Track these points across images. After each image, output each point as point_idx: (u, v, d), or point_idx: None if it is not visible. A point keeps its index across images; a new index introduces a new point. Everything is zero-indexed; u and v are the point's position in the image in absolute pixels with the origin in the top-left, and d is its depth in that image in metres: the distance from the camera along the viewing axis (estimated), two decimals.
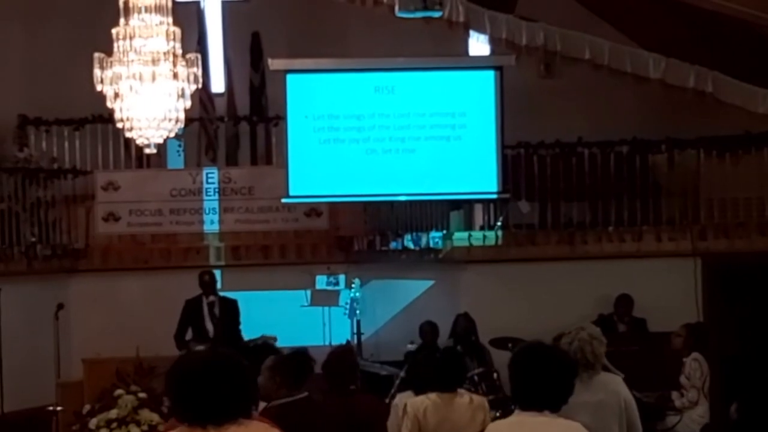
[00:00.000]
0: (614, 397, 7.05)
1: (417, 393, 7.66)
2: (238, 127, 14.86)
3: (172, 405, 4.81)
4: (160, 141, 10.53)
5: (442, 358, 7.46)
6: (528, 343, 5.35)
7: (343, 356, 7.76)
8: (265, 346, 7.33)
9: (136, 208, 13.97)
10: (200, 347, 5.24)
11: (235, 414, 4.74)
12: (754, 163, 12.75)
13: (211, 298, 12.07)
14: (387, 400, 9.59)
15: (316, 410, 6.72)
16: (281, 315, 13.31)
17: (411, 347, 11.97)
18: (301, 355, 6.86)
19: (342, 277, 13.77)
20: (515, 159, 13.13)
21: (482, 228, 13.06)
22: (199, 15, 14.23)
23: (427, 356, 8.03)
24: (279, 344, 10.47)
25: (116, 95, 9.66)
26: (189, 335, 11.91)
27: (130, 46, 9.33)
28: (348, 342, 12.76)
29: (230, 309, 12.14)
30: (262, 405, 6.37)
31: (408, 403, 7.30)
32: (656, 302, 12.38)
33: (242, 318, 12.26)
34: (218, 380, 4.69)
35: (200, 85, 10.17)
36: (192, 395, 4.71)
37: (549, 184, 13.01)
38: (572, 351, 6.93)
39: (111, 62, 9.46)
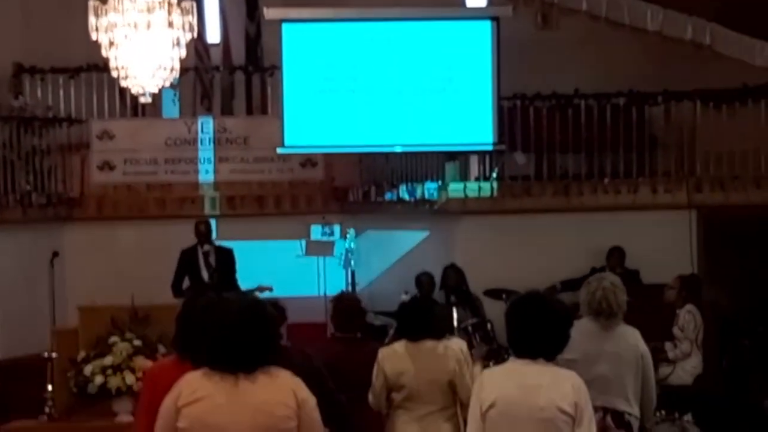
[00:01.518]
0: (633, 350, 7.10)
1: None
2: (233, 76, 14.83)
3: (207, 351, 4.79)
4: (155, 90, 10.49)
5: (407, 307, 7.44)
6: (525, 292, 5.36)
7: (354, 303, 7.78)
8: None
9: (131, 157, 13.96)
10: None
11: (264, 362, 4.75)
12: (751, 116, 12.72)
13: (207, 247, 12.06)
14: None
15: (291, 362, 6.70)
16: (276, 265, 13.32)
17: (405, 297, 11.96)
18: (274, 305, 6.85)
19: (337, 228, 13.78)
20: (511, 110, 13.10)
21: (477, 179, 13.04)
22: None
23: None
24: (270, 294, 10.52)
25: (111, 44, 9.62)
26: (186, 284, 11.92)
27: None
28: (350, 292, 12.78)
29: (226, 258, 12.15)
30: None
31: (379, 352, 7.30)
32: (651, 254, 12.39)
33: (237, 268, 12.26)
34: (252, 328, 4.71)
35: (195, 35, 10.14)
36: (227, 342, 4.71)
37: (545, 135, 12.98)
38: (596, 300, 6.99)
39: (106, 10, 9.42)
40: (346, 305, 7.73)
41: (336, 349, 7.43)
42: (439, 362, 7.08)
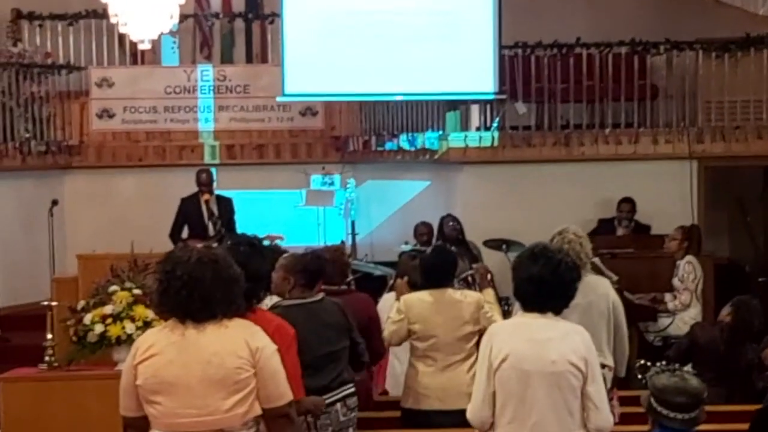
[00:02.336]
0: (603, 300, 7.09)
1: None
2: (233, 24, 14.77)
3: (157, 296, 4.82)
4: (155, 37, 10.42)
5: (430, 256, 7.44)
6: (533, 245, 5.34)
7: (336, 255, 7.76)
8: (279, 247, 7.34)
9: (130, 105, 13.94)
10: (199, 245, 5.23)
11: (215, 313, 4.73)
12: (753, 66, 12.65)
13: (207, 196, 12.02)
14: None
15: (327, 312, 6.73)
16: (276, 215, 13.33)
17: (405, 247, 11.96)
18: (318, 258, 6.86)
19: (337, 177, 13.75)
20: (512, 59, 13.02)
21: (478, 129, 12.99)
22: None
23: (418, 255, 8.00)
24: (282, 243, 10.49)
25: None
26: (185, 234, 11.89)
27: None
28: (342, 242, 12.79)
29: (227, 207, 12.12)
30: (273, 299, 6.40)
31: (402, 299, 7.32)
32: (652, 205, 12.37)
33: (237, 217, 12.25)
34: (200, 279, 4.69)
35: None
36: (173, 290, 4.71)
37: (546, 85, 12.91)
38: None
39: None
40: (334, 257, 7.71)
41: None
42: (462, 311, 7.11)
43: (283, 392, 4.82)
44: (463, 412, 6.13)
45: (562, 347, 5.11)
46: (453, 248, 11.62)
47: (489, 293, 7.67)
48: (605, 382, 7.00)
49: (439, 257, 7.39)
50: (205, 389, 4.66)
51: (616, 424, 6.86)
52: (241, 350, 4.70)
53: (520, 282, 5.26)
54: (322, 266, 6.80)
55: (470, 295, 7.32)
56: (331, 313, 6.71)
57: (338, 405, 6.71)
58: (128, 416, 4.86)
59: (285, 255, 6.75)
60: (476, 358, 6.94)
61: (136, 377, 4.74)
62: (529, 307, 5.24)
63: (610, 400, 7.04)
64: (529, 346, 5.12)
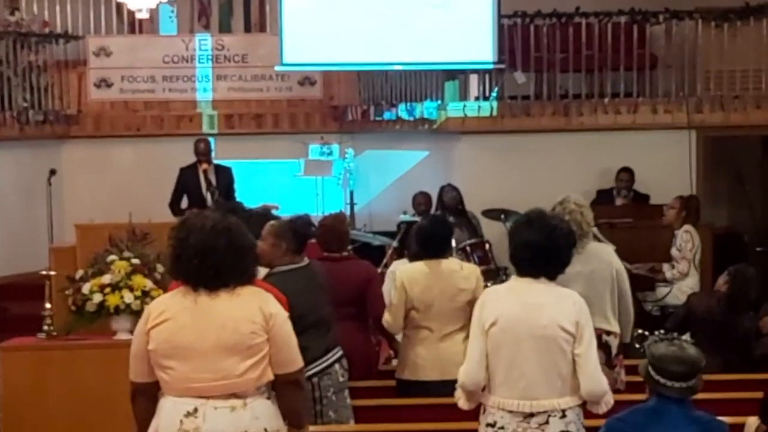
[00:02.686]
0: (606, 267, 7.10)
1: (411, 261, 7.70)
2: None
3: (169, 262, 4.85)
4: (153, 6, 10.43)
5: (426, 225, 7.44)
6: (529, 210, 5.35)
7: (336, 223, 7.77)
8: (266, 214, 7.32)
9: (128, 75, 13.92)
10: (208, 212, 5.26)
11: (228, 282, 4.76)
12: (753, 35, 12.61)
13: (205, 166, 11.99)
14: (379, 270, 9.65)
15: (316, 276, 6.77)
16: (274, 185, 13.32)
17: (404, 217, 11.96)
18: (302, 223, 6.88)
19: (335, 147, 13.74)
20: (511, 29, 12.97)
21: (477, 98, 12.96)
22: None
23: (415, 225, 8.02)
24: (277, 213, 10.49)
25: None
26: (184, 203, 11.87)
27: None
28: (341, 211, 12.78)
29: (226, 176, 12.09)
30: (263, 272, 6.40)
31: (397, 270, 7.33)
32: (650, 175, 12.37)
33: (236, 187, 12.23)
34: (215, 246, 4.72)
35: None
36: (186, 258, 4.73)
37: (545, 54, 12.87)
38: None
39: None
40: (332, 225, 7.74)
41: (329, 266, 7.45)
42: (459, 281, 7.10)
43: (294, 358, 4.88)
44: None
45: (553, 312, 5.13)
46: (452, 218, 11.75)
47: None
48: (610, 349, 7.05)
49: (436, 227, 7.38)
50: (219, 354, 4.70)
51: (621, 392, 6.90)
52: (255, 316, 4.75)
53: (515, 247, 5.27)
54: (311, 230, 6.83)
55: (468, 267, 7.32)
56: (321, 276, 6.77)
57: (336, 366, 6.77)
58: (138, 382, 4.89)
59: (271, 222, 6.75)
60: None
61: (149, 342, 4.77)
62: (523, 272, 5.26)
63: (614, 366, 7.08)
64: (520, 310, 5.13)
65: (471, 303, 6.99)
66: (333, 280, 7.15)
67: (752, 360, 8.09)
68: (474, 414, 5.69)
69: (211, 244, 4.72)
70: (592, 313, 6.99)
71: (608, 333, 7.15)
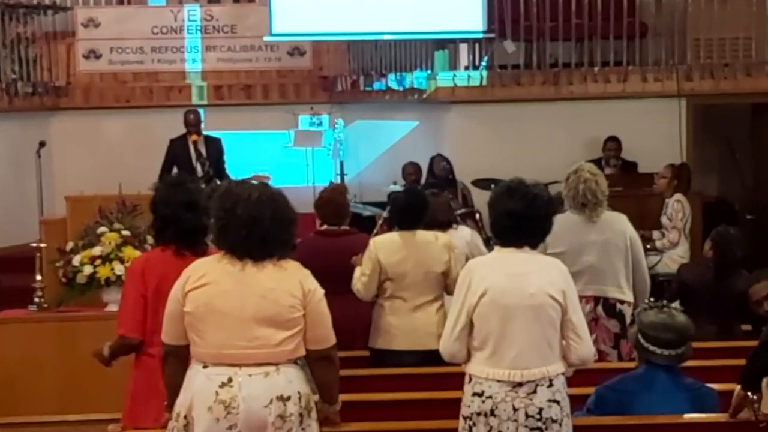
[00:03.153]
0: (620, 236, 7.13)
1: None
2: None
3: (213, 231, 4.80)
4: None
5: (401, 197, 7.43)
6: (508, 180, 5.34)
7: (334, 195, 7.77)
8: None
9: (117, 46, 13.87)
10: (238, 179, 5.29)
11: (273, 253, 4.76)
12: (742, 2, 12.58)
13: (195, 137, 11.96)
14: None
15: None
16: (264, 155, 13.31)
17: (393, 188, 11.96)
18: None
19: (325, 118, 13.72)
20: None
21: (467, 68, 12.93)
22: None
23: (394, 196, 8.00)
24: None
25: None
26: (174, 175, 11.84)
27: None
28: (338, 182, 12.76)
29: (216, 147, 12.07)
30: None
31: (372, 241, 7.31)
32: (641, 143, 12.38)
33: (226, 158, 12.21)
34: (260, 218, 4.72)
35: None
36: (233, 228, 4.71)
37: (535, 23, 12.84)
38: (580, 193, 6.98)
39: None
40: (331, 197, 7.73)
41: (322, 241, 7.44)
42: (434, 252, 7.09)
43: (328, 335, 4.90)
44: (431, 352, 6.20)
45: (540, 280, 5.13)
46: (444, 190, 11.75)
47: None
48: (624, 318, 7.07)
49: (411, 198, 7.36)
50: (257, 323, 4.71)
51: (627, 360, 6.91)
52: (296, 290, 4.77)
53: (496, 217, 5.27)
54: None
55: (442, 237, 7.30)
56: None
57: None
58: (170, 344, 4.88)
59: None
60: (444, 300, 7.01)
61: (185, 304, 4.76)
62: (506, 241, 5.25)
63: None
64: (507, 280, 5.13)
65: (445, 274, 7.02)
66: (331, 254, 7.17)
67: (754, 319, 7.99)
68: (445, 384, 5.71)
69: (258, 215, 4.71)
70: (606, 282, 7.07)
71: (622, 302, 7.17)
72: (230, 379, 4.69)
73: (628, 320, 7.13)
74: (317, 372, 4.91)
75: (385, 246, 7.16)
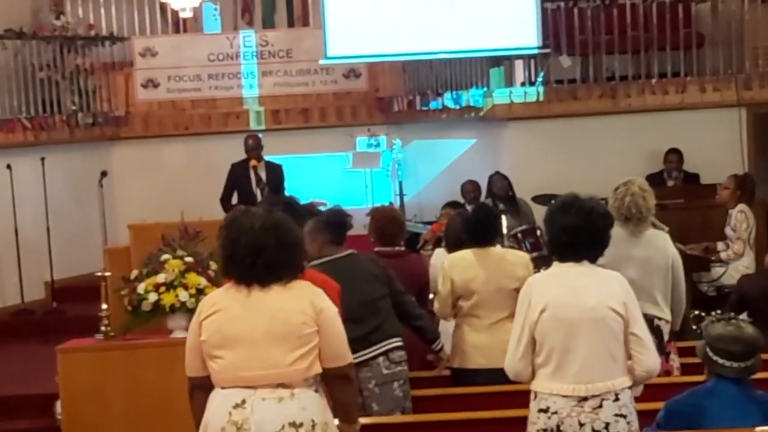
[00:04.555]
0: (662, 254, 7.06)
1: (451, 250, 7.66)
2: None
3: (225, 264, 4.91)
4: (196, 4, 10.47)
5: (473, 214, 7.42)
6: (563, 195, 5.32)
7: (391, 215, 7.77)
8: (312, 210, 7.31)
9: (174, 74, 14.01)
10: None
11: (280, 277, 4.80)
12: None
13: (255, 162, 12.00)
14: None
15: (359, 265, 6.75)
16: (323, 178, 13.35)
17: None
18: (336, 212, 6.88)
19: (383, 139, 13.76)
20: (555, 12, 12.90)
21: (523, 84, 12.90)
22: None
23: (462, 214, 7.98)
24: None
25: None
26: (235, 199, 11.91)
27: None
28: (390, 203, 12.78)
29: (276, 173, 12.09)
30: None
31: (445, 259, 7.31)
32: (702, 154, 12.27)
33: (286, 184, 12.25)
34: (264, 246, 4.78)
35: None
36: (238, 258, 4.78)
37: (590, 37, 12.80)
38: (625, 206, 6.92)
39: None
40: (384, 219, 7.72)
41: (383, 263, 7.43)
42: (507, 269, 7.09)
43: (344, 353, 4.93)
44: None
45: (600, 293, 5.11)
46: (502, 206, 11.72)
47: None
48: (662, 334, 7.01)
49: (483, 215, 7.36)
50: (269, 343, 4.75)
51: (675, 374, 6.87)
52: (306, 308, 4.82)
53: (553, 232, 5.26)
54: (345, 220, 6.80)
55: (516, 254, 7.28)
56: (364, 264, 6.73)
57: (380, 359, 6.73)
58: (194, 376, 4.96)
59: (308, 221, 6.73)
60: None
61: (201, 334, 4.84)
62: (564, 257, 5.23)
63: (668, 352, 7.04)
64: (567, 295, 5.12)
65: (518, 290, 6.99)
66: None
67: None
68: (521, 401, 5.68)
69: (262, 244, 4.79)
70: (643, 299, 6.97)
71: (659, 318, 7.11)
72: (244, 401, 4.75)
73: (665, 337, 7.08)
74: (334, 391, 4.94)
75: (458, 264, 7.16)
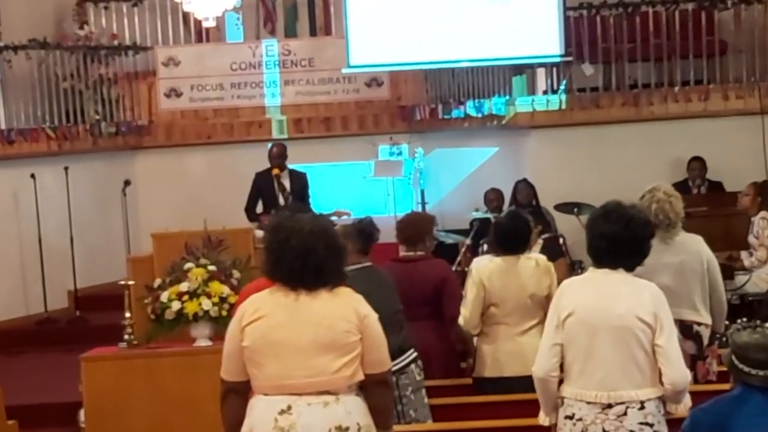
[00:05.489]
0: (696, 258, 7.02)
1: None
2: None
3: (267, 263, 4.87)
4: (219, 14, 10.51)
5: (504, 221, 7.41)
6: (606, 202, 5.32)
7: (415, 216, 7.79)
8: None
9: (197, 83, 14.06)
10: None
11: (327, 282, 4.81)
12: None
13: (278, 170, 12.00)
14: (453, 268, 9.63)
15: (381, 277, 6.78)
16: (345, 187, 13.36)
17: (476, 214, 11.94)
18: (368, 223, 6.92)
19: (405, 147, 13.76)
20: (577, 20, 12.90)
21: (545, 92, 12.90)
22: None
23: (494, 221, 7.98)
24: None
25: None
26: (259, 208, 11.92)
27: None
28: (419, 210, 12.74)
29: (300, 181, 12.08)
30: None
31: (474, 267, 7.30)
32: (725, 162, 12.24)
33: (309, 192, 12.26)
34: (314, 249, 4.79)
35: None
36: (288, 260, 4.77)
37: (612, 45, 12.78)
38: (653, 213, 6.89)
39: None
40: (409, 219, 7.74)
41: (398, 268, 7.43)
42: (537, 276, 7.07)
43: (385, 359, 4.94)
44: None
45: (630, 301, 5.10)
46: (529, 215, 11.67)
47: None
48: (701, 339, 6.96)
49: (513, 223, 7.34)
50: (315, 351, 4.75)
51: (711, 382, 6.82)
52: (351, 315, 4.82)
53: (592, 238, 5.25)
54: (374, 232, 6.85)
55: (544, 262, 7.26)
56: (385, 276, 6.78)
57: (412, 366, 6.79)
58: (230, 381, 4.92)
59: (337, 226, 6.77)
60: None
61: (243, 339, 4.81)
62: (601, 263, 5.23)
63: (706, 357, 6.99)
64: (597, 300, 5.11)
65: (549, 297, 6.97)
66: (407, 280, 7.16)
67: None
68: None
69: (312, 246, 4.79)
70: (681, 305, 6.95)
71: (699, 324, 7.07)
72: (289, 407, 4.74)
73: (705, 342, 7.05)
74: (373, 397, 4.91)
75: (489, 271, 7.15)
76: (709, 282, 7.08)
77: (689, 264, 7.00)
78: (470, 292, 7.15)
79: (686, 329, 7.04)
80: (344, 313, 4.81)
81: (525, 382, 6.66)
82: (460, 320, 7.23)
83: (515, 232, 7.23)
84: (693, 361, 7.06)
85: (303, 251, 4.78)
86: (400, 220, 7.86)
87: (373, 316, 4.90)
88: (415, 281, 7.27)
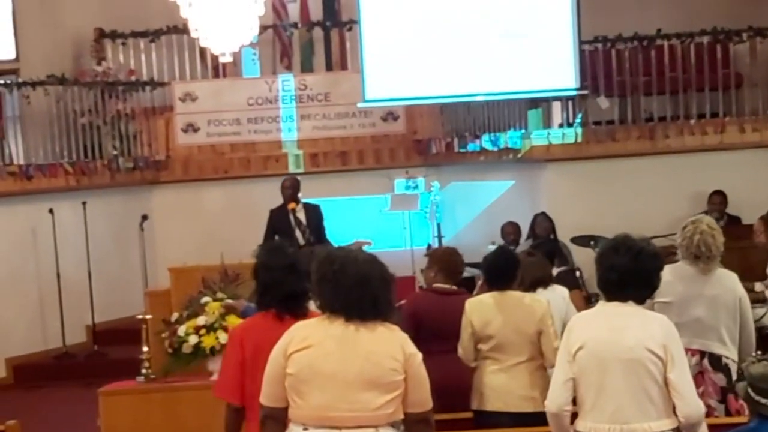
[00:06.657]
0: (730, 294, 7.02)
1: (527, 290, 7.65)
2: (311, 33, 14.87)
3: (322, 294, 4.84)
4: (235, 49, 10.55)
5: (490, 257, 7.40)
6: (616, 235, 5.32)
7: (456, 252, 7.81)
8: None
9: (214, 118, 14.12)
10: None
11: (381, 312, 4.80)
12: None
13: (293, 204, 11.99)
14: None
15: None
16: (362, 220, 13.38)
17: (492, 248, 11.91)
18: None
19: (421, 181, 13.78)
20: (593, 54, 12.94)
21: (561, 126, 12.92)
22: None
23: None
24: (369, 249, 10.51)
25: (190, 4, 9.67)
26: None
27: None
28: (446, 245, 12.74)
29: (315, 214, 12.08)
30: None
31: (466, 303, 7.28)
32: (742, 195, 12.21)
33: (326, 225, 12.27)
34: (370, 277, 4.76)
35: None
36: (345, 288, 4.74)
37: (628, 78, 12.82)
38: (695, 244, 6.89)
39: None
40: (450, 255, 7.77)
41: (434, 298, 7.44)
42: (525, 313, 7.04)
43: (427, 398, 4.88)
44: (526, 414, 6.19)
45: (640, 334, 5.08)
46: (544, 248, 11.67)
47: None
48: (730, 372, 6.94)
49: (499, 259, 7.33)
50: (360, 385, 4.70)
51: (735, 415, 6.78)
52: (397, 353, 4.76)
53: (602, 271, 5.25)
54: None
55: (539, 301, 7.21)
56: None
57: None
58: (269, 406, 4.88)
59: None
60: (542, 361, 6.96)
61: (287, 366, 4.76)
62: (611, 296, 5.22)
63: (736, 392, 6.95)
64: (606, 334, 5.10)
65: (538, 334, 6.96)
66: (441, 312, 7.22)
67: None
68: None
69: (369, 274, 4.76)
70: (711, 337, 6.96)
71: (727, 357, 7.06)
72: None
73: (734, 375, 7.02)
74: None
75: (477, 307, 7.15)
76: (741, 319, 7.08)
77: (723, 299, 6.99)
78: (462, 328, 7.15)
79: (715, 361, 7.03)
80: (391, 350, 4.75)
81: (509, 418, 6.73)
82: (459, 354, 7.23)
83: (501, 268, 7.22)
84: (723, 394, 7.05)
85: (360, 280, 4.73)
86: (439, 251, 7.88)
87: (418, 356, 4.83)
88: (448, 313, 7.26)
